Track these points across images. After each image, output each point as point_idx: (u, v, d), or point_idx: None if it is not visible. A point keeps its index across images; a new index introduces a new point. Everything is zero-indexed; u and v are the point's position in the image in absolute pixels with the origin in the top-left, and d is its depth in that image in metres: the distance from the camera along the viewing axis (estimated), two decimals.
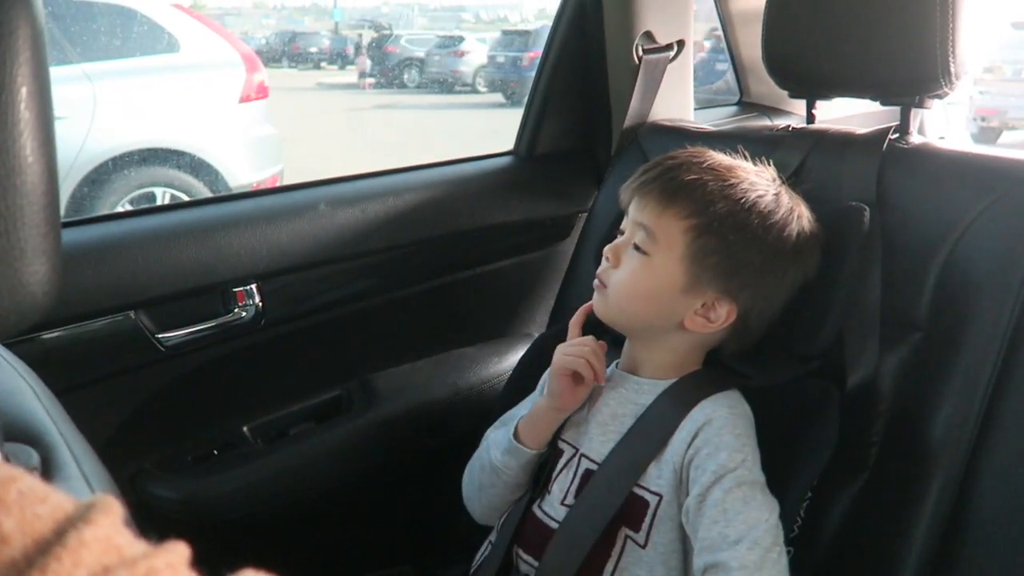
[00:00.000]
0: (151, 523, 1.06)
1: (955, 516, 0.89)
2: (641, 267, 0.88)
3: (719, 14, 1.69)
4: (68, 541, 0.28)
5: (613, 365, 0.98)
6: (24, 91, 0.42)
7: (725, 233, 0.86)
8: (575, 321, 0.95)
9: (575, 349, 0.91)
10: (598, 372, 0.90)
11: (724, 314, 0.88)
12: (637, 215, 0.90)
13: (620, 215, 1.01)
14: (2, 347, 0.63)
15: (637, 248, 0.88)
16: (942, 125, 2.19)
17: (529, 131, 1.43)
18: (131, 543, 0.30)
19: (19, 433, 0.50)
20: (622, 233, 0.92)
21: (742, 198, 0.87)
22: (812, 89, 1.14)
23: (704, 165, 0.90)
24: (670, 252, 0.87)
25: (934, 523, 0.89)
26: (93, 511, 0.30)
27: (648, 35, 1.37)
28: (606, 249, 0.92)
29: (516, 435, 0.95)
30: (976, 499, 0.88)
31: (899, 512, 0.90)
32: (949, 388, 0.90)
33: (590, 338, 0.92)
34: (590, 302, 0.95)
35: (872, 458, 0.93)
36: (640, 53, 1.36)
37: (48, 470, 0.48)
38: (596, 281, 0.92)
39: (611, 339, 1.03)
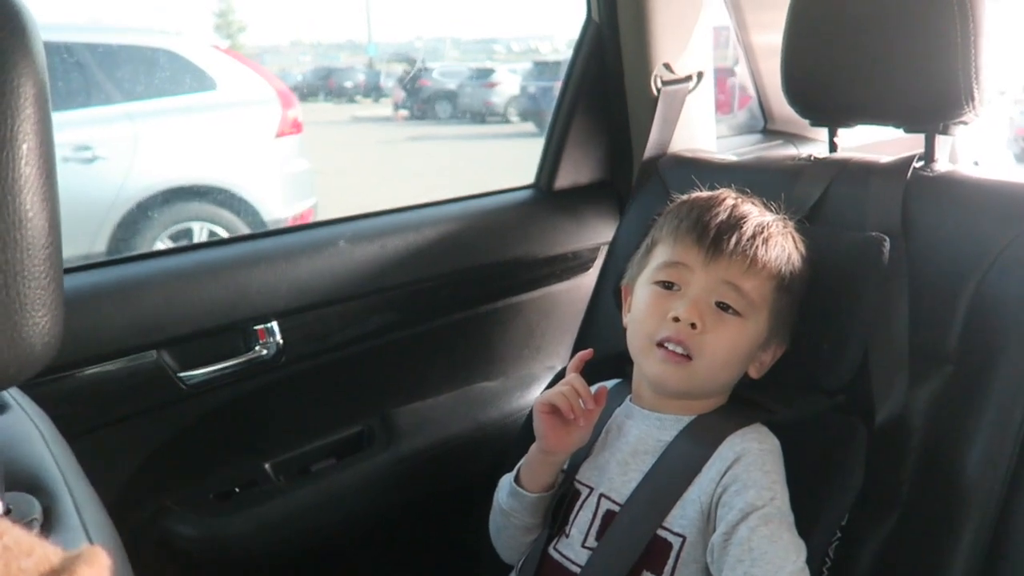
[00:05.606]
0: (173, 561, 1.06)
1: (991, 557, 0.85)
2: (739, 330, 0.86)
3: (740, 42, 1.69)
4: None
5: (627, 400, 0.96)
6: (25, 147, 0.43)
7: (796, 287, 0.90)
8: (573, 366, 0.92)
9: (555, 387, 0.90)
10: (575, 407, 0.87)
11: (774, 354, 0.91)
12: (723, 274, 0.86)
13: (644, 251, 0.99)
14: (17, 391, 0.63)
15: (727, 309, 0.86)
16: (976, 148, 2.14)
17: (549, 165, 1.43)
18: None
19: (23, 482, 0.50)
20: (670, 285, 0.88)
21: (799, 247, 0.92)
22: (833, 117, 1.12)
23: (777, 228, 0.90)
24: (761, 312, 0.87)
25: (969, 565, 0.85)
26: (78, 563, 0.30)
27: (666, 67, 1.37)
28: (687, 314, 0.84)
29: (517, 478, 0.94)
30: (1013, 539, 0.85)
31: (932, 554, 0.86)
32: (982, 423, 0.87)
33: (574, 376, 0.90)
34: (588, 350, 0.93)
35: (903, 497, 0.90)
36: (659, 84, 1.36)
37: (49, 520, 0.48)
38: (678, 352, 0.85)
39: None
